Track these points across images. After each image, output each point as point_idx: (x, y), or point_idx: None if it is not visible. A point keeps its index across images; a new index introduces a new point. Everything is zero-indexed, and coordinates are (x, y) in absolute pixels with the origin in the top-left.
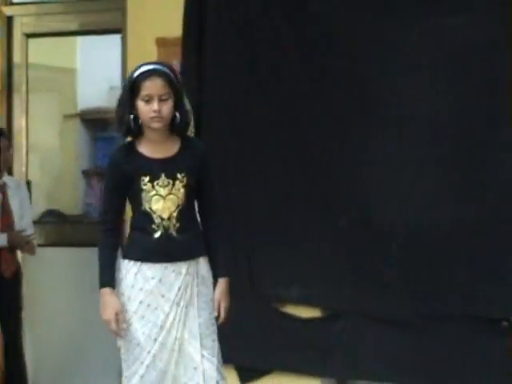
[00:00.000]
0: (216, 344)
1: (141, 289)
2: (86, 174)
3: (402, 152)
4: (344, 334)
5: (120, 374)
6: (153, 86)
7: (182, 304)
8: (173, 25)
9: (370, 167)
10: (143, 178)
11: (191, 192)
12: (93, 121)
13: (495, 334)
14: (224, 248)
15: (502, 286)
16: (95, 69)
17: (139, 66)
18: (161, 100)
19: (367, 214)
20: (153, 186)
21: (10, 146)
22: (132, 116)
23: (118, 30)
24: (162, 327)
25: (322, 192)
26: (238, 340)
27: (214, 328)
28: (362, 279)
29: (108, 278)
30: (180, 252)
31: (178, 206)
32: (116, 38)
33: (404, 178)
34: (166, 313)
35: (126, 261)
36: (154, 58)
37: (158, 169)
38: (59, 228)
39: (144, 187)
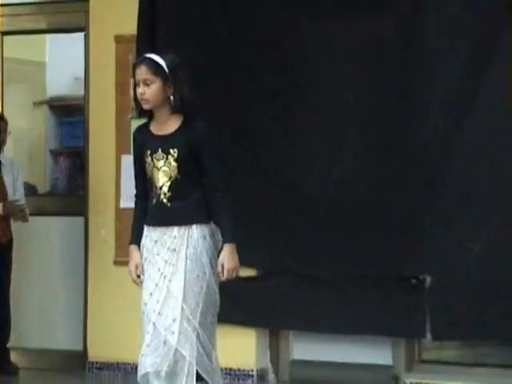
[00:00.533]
0: (199, 309)
1: (147, 248)
2: (53, 153)
3: (326, 128)
4: (276, 290)
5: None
6: (139, 72)
7: (171, 263)
8: (129, 24)
9: (302, 143)
10: (146, 152)
11: (185, 165)
12: (59, 107)
13: (405, 291)
14: (226, 216)
15: (412, 247)
16: (62, 62)
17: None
18: (145, 84)
19: (298, 183)
20: (152, 159)
21: (6, 128)
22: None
23: (82, 28)
24: (157, 284)
25: (262, 164)
26: None
27: (200, 291)
28: (293, 241)
29: (133, 236)
30: (171, 218)
31: (171, 177)
32: (80, 36)
33: (329, 150)
34: (159, 269)
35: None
36: (113, 54)
37: (156, 144)
38: (31, 200)
39: (147, 159)
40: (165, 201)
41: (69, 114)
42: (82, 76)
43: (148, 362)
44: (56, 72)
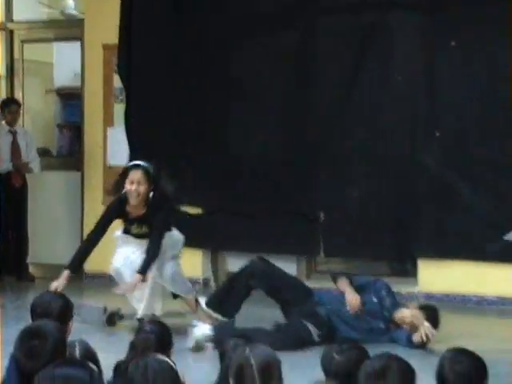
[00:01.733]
0: None
1: None
2: (59, 126)
3: (252, 112)
4: (216, 222)
5: None
6: (135, 173)
7: None
8: (113, 36)
9: (235, 120)
10: (125, 222)
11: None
12: (64, 94)
13: (306, 223)
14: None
15: (309, 191)
16: (65, 62)
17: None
18: (138, 183)
19: (231, 145)
20: (129, 226)
21: (19, 108)
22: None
23: (79, 38)
24: None
25: (209, 131)
26: None
27: None
28: (229, 188)
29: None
30: None
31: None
32: (77, 44)
33: (252, 118)
34: None
35: None
36: (101, 57)
37: (133, 221)
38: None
39: (125, 224)
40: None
41: (70, 99)
42: (80, 72)
43: None
44: (61, 69)
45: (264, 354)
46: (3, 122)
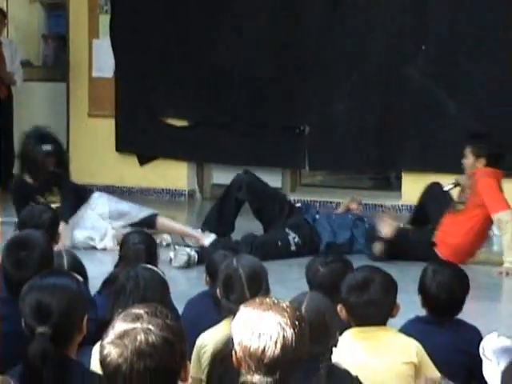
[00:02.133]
0: None
1: None
2: (44, 36)
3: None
4: (202, 135)
5: None
6: None
7: None
8: None
9: (220, 39)
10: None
11: None
12: (48, 4)
13: (292, 136)
14: None
15: (296, 104)
16: None
17: None
18: None
19: (219, 60)
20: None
21: (4, 18)
22: None
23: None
24: None
25: (196, 44)
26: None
27: None
28: (215, 100)
29: None
30: None
31: None
32: None
33: (240, 33)
34: None
35: None
36: None
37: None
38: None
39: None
40: None
41: (55, 9)
42: None
43: None
44: None
45: (251, 264)
46: None
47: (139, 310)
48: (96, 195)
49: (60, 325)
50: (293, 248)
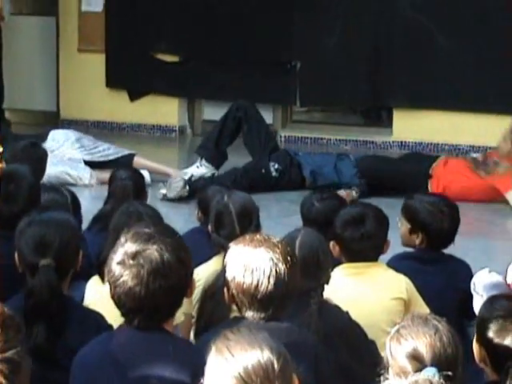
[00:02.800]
0: None
1: None
2: None
3: None
4: (193, 70)
5: None
6: None
7: None
8: None
9: None
10: None
11: None
12: None
13: (282, 72)
14: None
15: (285, 40)
16: None
17: None
18: None
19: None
20: None
21: None
22: None
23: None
24: None
25: None
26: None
27: None
28: (207, 36)
29: None
30: None
31: None
32: None
33: None
34: None
35: None
36: None
37: None
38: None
39: None
40: None
41: None
42: None
43: None
44: None
45: (242, 200)
46: None
47: (149, 230)
48: (55, 131)
49: (60, 258)
50: (274, 174)
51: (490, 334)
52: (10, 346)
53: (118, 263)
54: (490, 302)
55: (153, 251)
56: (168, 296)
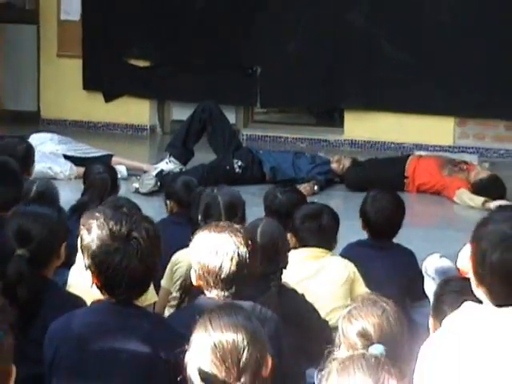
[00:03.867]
0: None
1: None
2: None
3: None
4: (164, 75)
5: None
6: None
7: None
8: None
9: None
10: None
11: None
12: None
13: (244, 76)
14: None
15: (247, 46)
16: None
17: None
18: None
19: (179, 2)
20: None
21: None
22: None
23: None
24: None
25: None
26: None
27: None
28: (175, 42)
29: None
30: None
31: None
32: None
33: None
34: None
35: None
36: None
37: None
38: None
39: None
40: None
41: None
42: None
43: None
44: None
45: (230, 194)
46: None
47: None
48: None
49: (39, 249)
50: (238, 170)
51: (445, 308)
52: None
53: (94, 240)
54: (445, 281)
55: (136, 235)
56: (142, 273)
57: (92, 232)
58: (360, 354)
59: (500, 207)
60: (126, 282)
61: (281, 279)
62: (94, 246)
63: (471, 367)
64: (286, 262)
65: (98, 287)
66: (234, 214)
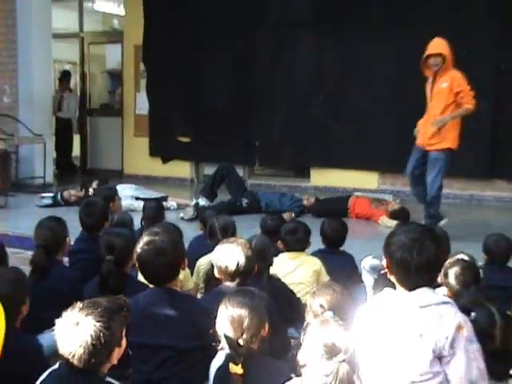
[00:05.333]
0: None
1: None
2: (109, 91)
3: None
4: (197, 146)
5: None
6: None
7: None
8: (140, 40)
9: (208, 80)
10: None
11: None
12: (112, 73)
13: (246, 146)
14: None
15: (250, 127)
16: (113, 55)
17: None
18: None
19: (207, 101)
20: None
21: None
22: None
23: (120, 41)
24: None
25: (194, 92)
26: (165, 154)
27: None
28: (204, 126)
29: None
30: None
31: None
32: (119, 45)
33: (218, 81)
34: None
35: None
36: (133, 53)
37: None
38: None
39: None
40: None
41: (115, 76)
42: (121, 61)
43: None
44: (110, 59)
45: (224, 219)
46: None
47: (158, 229)
48: (119, 186)
49: (120, 255)
50: (244, 205)
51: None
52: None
53: (139, 247)
54: (380, 274)
55: (158, 240)
56: (167, 266)
57: (140, 242)
58: (322, 319)
59: (401, 224)
60: (156, 273)
61: (269, 272)
62: (139, 250)
63: (378, 327)
64: (272, 262)
65: (144, 276)
66: (226, 232)
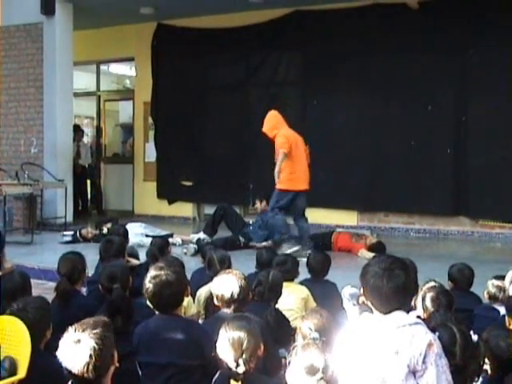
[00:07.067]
0: None
1: None
2: (122, 142)
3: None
4: (200, 189)
5: None
6: None
7: None
8: (149, 97)
9: (209, 133)
10: None
11: None
12: (124, 126)
13: (241, 188)
14: None
15: (246, 173)
16: (125, 111)
17: None
18: None
19: (207, 150)
20: None
21: (83, 132)
22: None
23: (132, 99)
24: None
25: (195, 143)
26: (171, 196)
27: None
28: (204, 172)
29: None
30: None
31: None
32: (131, 102)
33: (218, 135)
34: None
35: None
36: (142, 108)
37: None
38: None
39: None
40: None
41: (127, 129)
42: (132, 115)
43: None
44: (123, 114)
45: (221, 253)
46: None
47: (162, 264)
48: (130, 224)
49: (121, 283)
50: (242, 242)
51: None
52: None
53: (147, 281)
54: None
55: (163, 274)
56: (172, 296)
57: (148, 276)
58: (309, 340)
59: (375, 256)
60: (161, 302)
61: (277, 301)
62: (147, 284)
63: (359, 347)
64: (281, 293)
65: (152, 305)
66: (223, 263)
